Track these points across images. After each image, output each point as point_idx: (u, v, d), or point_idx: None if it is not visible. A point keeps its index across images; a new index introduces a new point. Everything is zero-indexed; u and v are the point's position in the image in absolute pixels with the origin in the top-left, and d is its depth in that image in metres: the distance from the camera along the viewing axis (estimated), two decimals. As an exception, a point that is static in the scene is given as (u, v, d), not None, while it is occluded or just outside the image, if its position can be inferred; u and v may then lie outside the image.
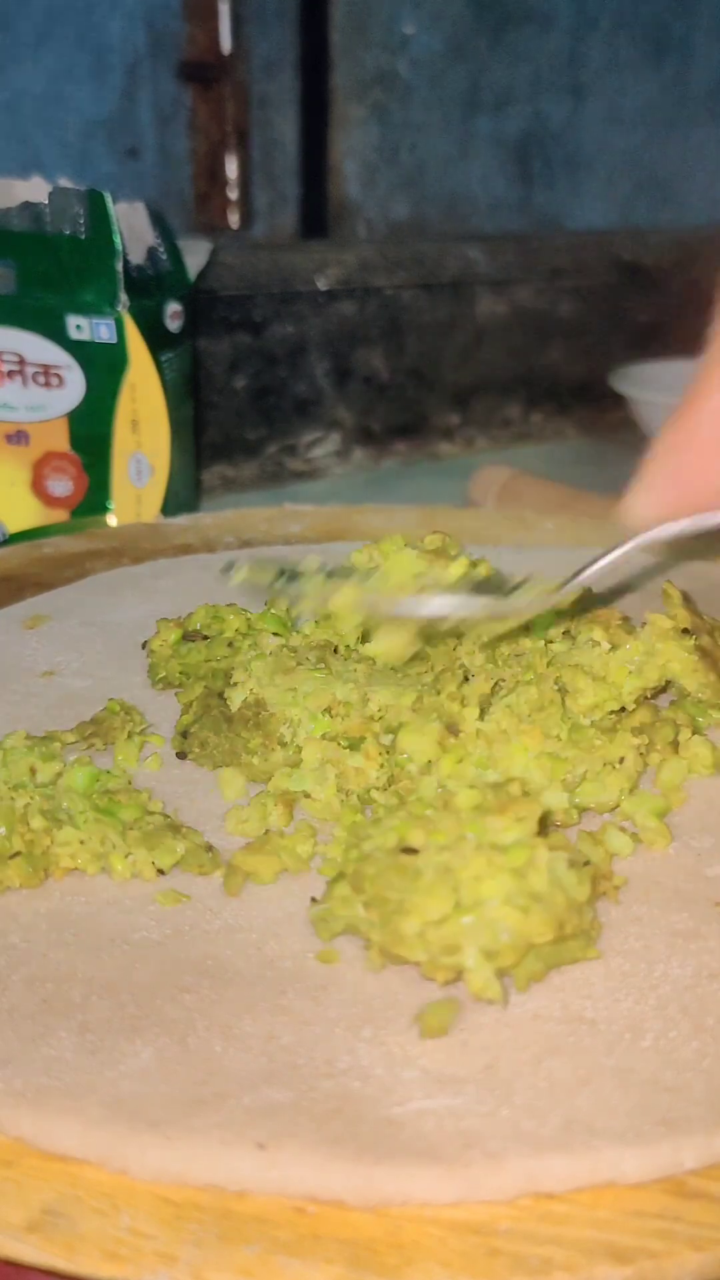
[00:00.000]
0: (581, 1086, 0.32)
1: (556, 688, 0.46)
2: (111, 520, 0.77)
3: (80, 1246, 0.29)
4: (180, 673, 0.53)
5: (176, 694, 0.51)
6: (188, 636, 0.53)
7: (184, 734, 0.48)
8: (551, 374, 1.16)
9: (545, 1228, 0.29)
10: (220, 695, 0.48)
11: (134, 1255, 0.29)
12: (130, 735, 0.49)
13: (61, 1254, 0.29)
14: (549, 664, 0.48)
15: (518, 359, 1.13)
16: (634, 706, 0.48)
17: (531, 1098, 0.32)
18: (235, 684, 0.48)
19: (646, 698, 0.49)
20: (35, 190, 0.74)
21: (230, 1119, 0.31)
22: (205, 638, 0.53)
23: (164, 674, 0.53)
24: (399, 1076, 0.33)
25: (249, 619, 0.53)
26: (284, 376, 1.02)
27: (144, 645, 0.55)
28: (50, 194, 0.73)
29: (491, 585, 0.44)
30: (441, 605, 0.42)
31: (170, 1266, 0.28)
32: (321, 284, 1.01)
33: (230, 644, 0.52)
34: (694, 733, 0.48)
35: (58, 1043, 0.34)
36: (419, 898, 0.35)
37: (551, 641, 0.49)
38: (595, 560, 0.40)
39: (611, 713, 0.47)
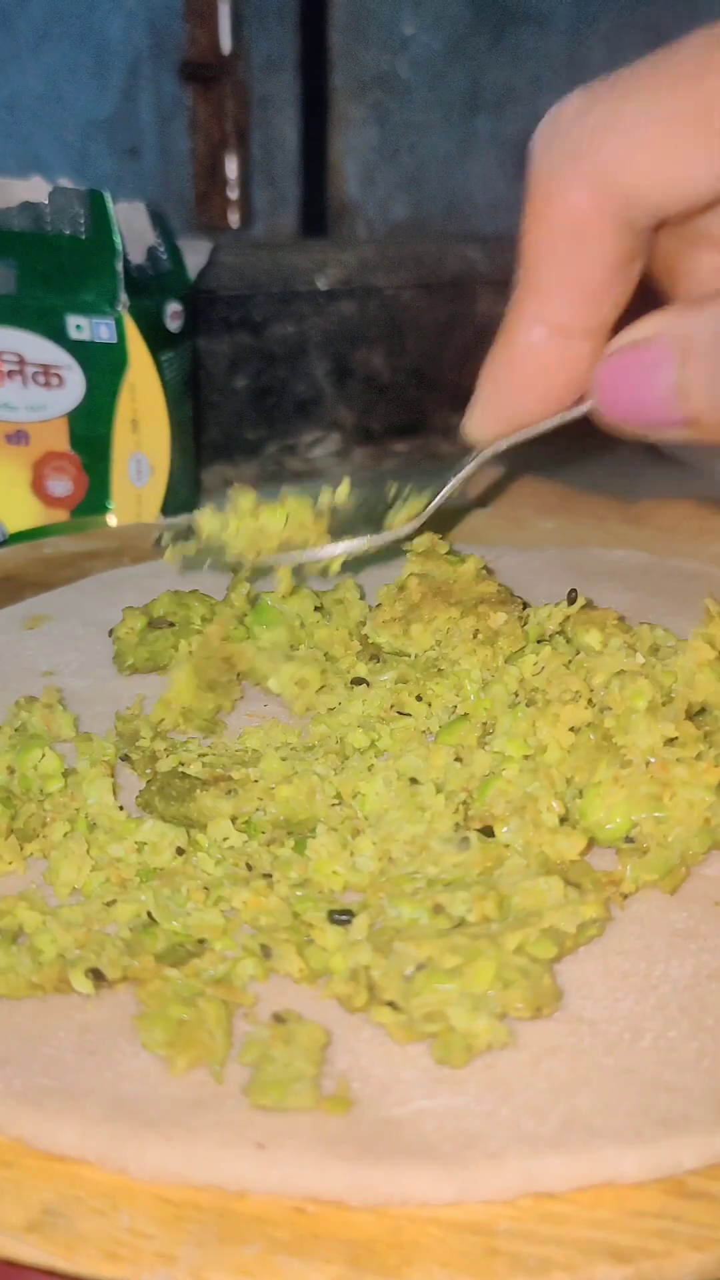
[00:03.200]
0: (581, 1086, 0.32)
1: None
2: (111, 520, 0.77)
3: (80, 1246, 0.29)
4: (147, 659, 0.54)
5: (134, 762, 0.47)
6: (154, 624, 0.54)
7: (145, 806, 0.44)
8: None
9: (545, 1227, 0.29)
10: (183, 776, 0.44)
11: (133, 1255, 0.29)
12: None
13: (61, 1254, 0.29)
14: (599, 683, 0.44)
15: (518, 359, 1.13)
16: None
17: (531, 1097, 0.32)
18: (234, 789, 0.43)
19: None
20: (35, 190, 0.74)
21: (230, 1119, 0.31)
22: (171, 625, 0.54)
23: (131, 660, 0.54)
24: (399, 1076, 0.33)
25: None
26: (284, 376, 1.02)
27: (110, 633, 0.56)
28: (50, 194, 0.73)
29: (364, 511, 0.48)
30: (330, 550, 0.47)
31: (170, 1266, 0.28)
32: (321, 284, 1.00)
33: (200, 628, 0.53)
34: None
35: (57, 1043, 0.34)
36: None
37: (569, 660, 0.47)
38: (453, 474, 0.45)
39: None
